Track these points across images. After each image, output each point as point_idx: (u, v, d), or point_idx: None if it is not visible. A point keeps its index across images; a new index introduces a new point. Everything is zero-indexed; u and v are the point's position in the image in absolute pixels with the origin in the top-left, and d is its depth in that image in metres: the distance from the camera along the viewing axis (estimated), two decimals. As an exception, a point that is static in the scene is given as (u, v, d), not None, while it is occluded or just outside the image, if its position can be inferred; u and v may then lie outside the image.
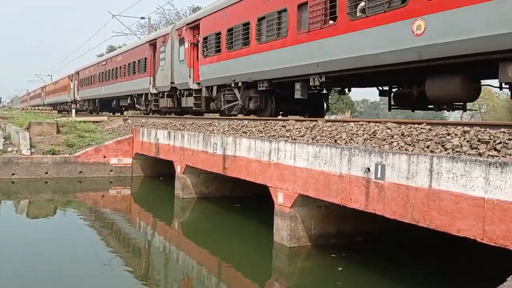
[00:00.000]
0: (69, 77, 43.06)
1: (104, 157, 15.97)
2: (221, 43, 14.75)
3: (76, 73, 39.99)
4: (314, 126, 8.53)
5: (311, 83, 10.75)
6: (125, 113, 32.50)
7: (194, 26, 17.25)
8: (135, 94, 24.56)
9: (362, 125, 7.61)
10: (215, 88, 15.38)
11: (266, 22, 12.32)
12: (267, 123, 10.19)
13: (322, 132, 7.87)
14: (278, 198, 7.96)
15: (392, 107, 11.53)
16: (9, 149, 15.68)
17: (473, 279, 6.88)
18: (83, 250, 8.17)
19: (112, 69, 28.80)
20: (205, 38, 16.00)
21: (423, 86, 8.84)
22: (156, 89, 21.14)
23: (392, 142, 6.17)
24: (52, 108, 52.91)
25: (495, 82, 7.96)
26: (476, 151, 5.00)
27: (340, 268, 6.97)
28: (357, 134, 7.08)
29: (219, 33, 14.95)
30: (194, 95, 17.08)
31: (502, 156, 4.73)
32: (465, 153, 5.04)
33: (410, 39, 8.03)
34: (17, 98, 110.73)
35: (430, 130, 6.19)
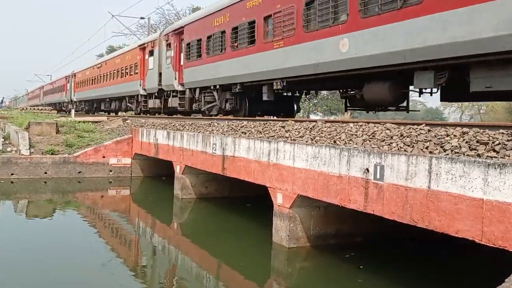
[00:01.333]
0: (142, 48, 22.87)
1: (104, 157, 15.97)
2: None
3: (177, 33, 18.82)
4: (313, 126, 8.53)
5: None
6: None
7: None
8: None
9: (361, 125, 7.62)
10: None
11: None
12: (266, 123, 10.19)
13: (321, 133, 7.87)
14: (277, 198, 7.96)
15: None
16: (8, 149, 15.67)
17: (472, 279, 6.88)
18: (82, 250, 8.16)
19: None
20: None
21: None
22: None
23: (391, 143, 6.17)
24: (86, 109, 36.17)
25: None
26: (475, 152, 5.00)
27: (361, 266, 7.05)
28: (356, 135, 7.09)
29: None
30: None
31: (501, 157, 4.73)
32: (464, 154, 5.05)
33: None
34: (22, 95, 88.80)
35: (429, 131, 6.20)
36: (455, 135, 5.66)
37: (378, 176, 5.83)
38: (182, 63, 18.15)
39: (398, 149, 5.86)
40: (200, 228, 10.37)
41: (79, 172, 15.47)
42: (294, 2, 11.17)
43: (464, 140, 5.41)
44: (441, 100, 10.04)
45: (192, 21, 17.87)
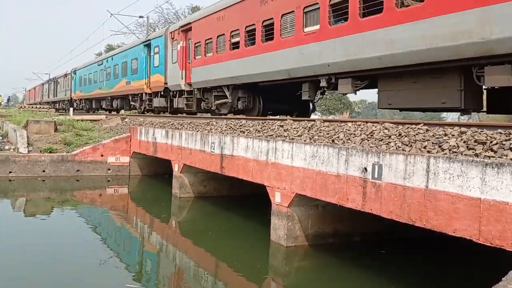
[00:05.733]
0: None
1: (102, 155, 15.95)
2: None
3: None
4: (311, 126, 8.54)
5: None
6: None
7: None
8: None
9: (359, 125, 7.62)
10: None
11: None
12: (265, 122, 10.19)
13: (320, 132, 7.88)
14: (276, 197, 7.97)
15: None
16: (7, 147, 15.66)
17: (470, 278, 6.90)
18: (80, 248, 8.15)
19: None
20: None
21: None
22: None
23: (389, 142, 6.18)
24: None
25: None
26: (473, 152, 5.01)
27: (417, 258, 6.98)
28: (354, 134, 7.09)
29: None
30: None
31: (498, 157, 4.74)
32: (461, 154, 5.06)
33: None
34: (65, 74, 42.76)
35: (427, 130, 6.21)
36: (453, 135, 5.67)
37: (376, 175, 5.84)
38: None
39: (396, 149, 5.87)
40: (198, 227, 10.37)
41: (77, 171, 15.45)
42: None
43: (462, 139, 5.42)
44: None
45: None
